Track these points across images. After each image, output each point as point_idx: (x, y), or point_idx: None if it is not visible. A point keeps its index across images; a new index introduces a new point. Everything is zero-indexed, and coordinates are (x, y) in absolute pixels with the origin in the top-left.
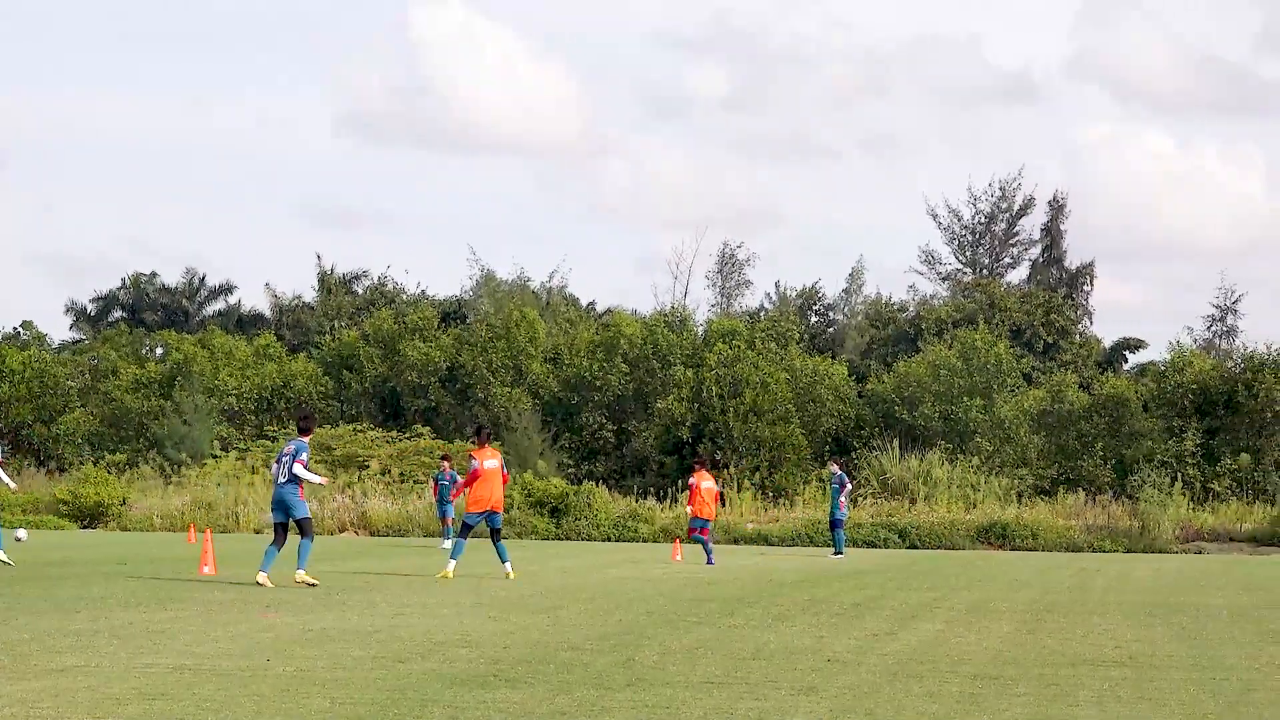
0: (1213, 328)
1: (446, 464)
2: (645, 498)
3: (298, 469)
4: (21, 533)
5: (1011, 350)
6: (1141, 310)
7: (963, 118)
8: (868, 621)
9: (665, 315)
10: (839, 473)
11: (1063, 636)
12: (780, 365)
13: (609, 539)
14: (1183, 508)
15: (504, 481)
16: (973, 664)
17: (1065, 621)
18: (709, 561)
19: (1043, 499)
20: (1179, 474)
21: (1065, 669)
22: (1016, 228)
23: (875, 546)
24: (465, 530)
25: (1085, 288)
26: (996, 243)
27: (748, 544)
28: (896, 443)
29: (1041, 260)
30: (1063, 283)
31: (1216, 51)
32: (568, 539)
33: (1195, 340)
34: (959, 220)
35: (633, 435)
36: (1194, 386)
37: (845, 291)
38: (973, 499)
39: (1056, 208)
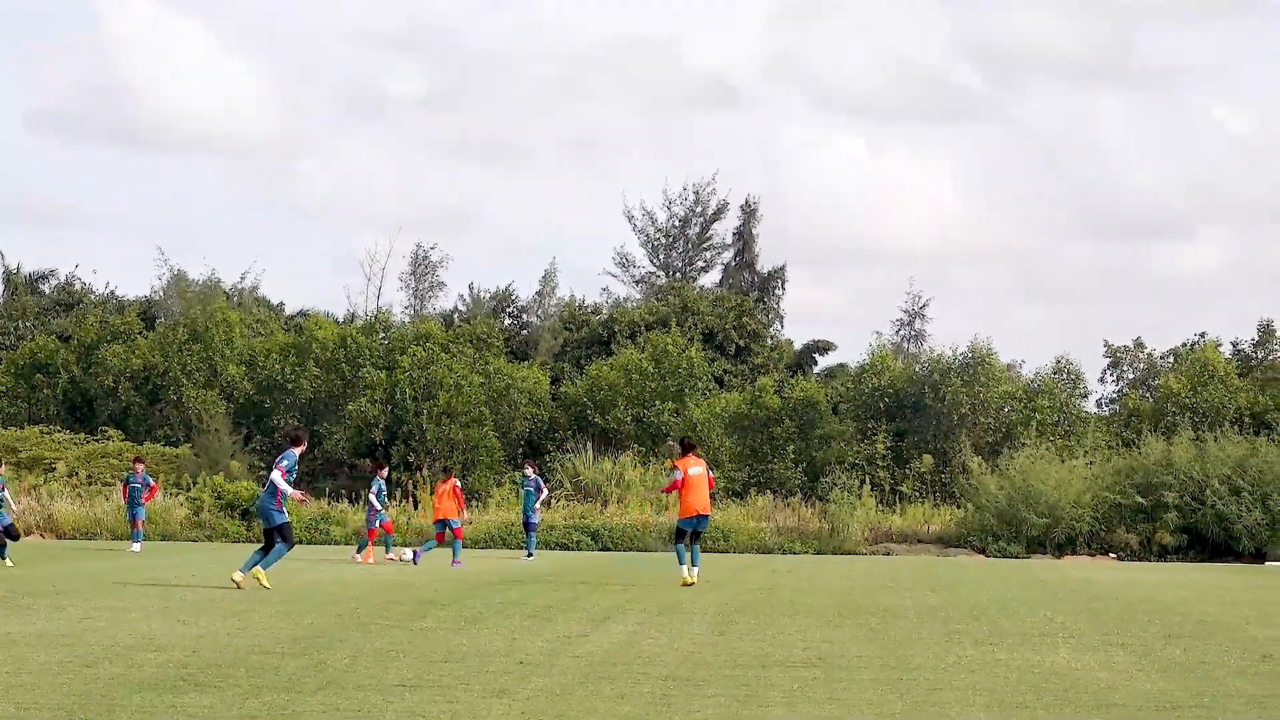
0: (901, 331)
1: (139, 466)
2: (338, 500)
3: (274, 476)
4: None
5: (703, 353)
6: (832, 314)
7: (663, 121)
8: (560, 624)
9: (359, 318)
10: (533, 475)
11: (753, 638)
12: (474, 368)
13: (300, 541)
14: (872, 510)
15: (710, 485)
16: (664, 665)
17: (756, 623)
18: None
19: (735, 501)
20: (869, 476)
21: (756, 670)
22: (710, 232)
23: (568, 549)
24: (679, 536)
25: (777, 291)
26: (690, 246)
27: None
28: (590, 445)
29: (734, 264)
30: (755, 286)
31: (910, 56)
32: (259, 542)
33: (884, 344)
34: (654, 223)
35: (325, 438)
36: (888, 390)
37: (539, 294)
38: (664, 501)
39: (749, 212)
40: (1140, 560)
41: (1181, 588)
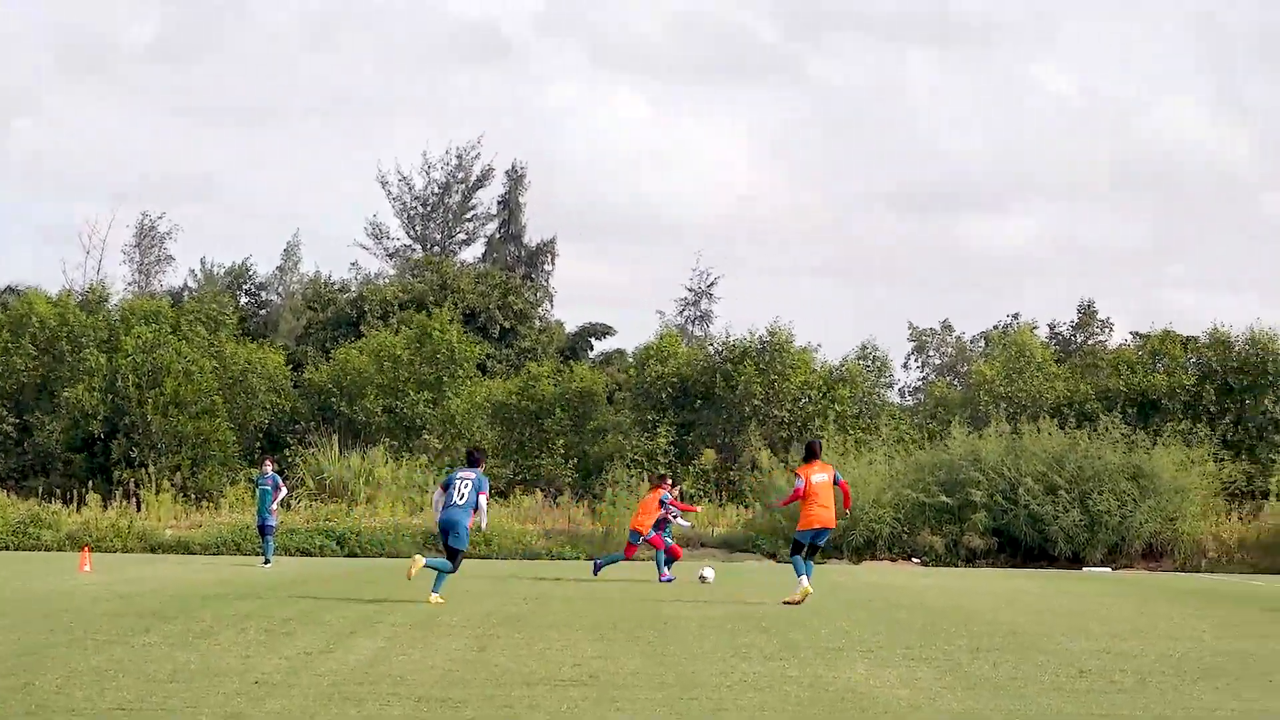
0: (686, 312)
1: None
2: (50, 500)
3: (482, 500)
4: None
5: (466, 336)
6: (609, 293)
7: (422, 77)
8: (300, 638)
9: (76, 294)
10: (271, 473)
11: (517, 653)
12: (207, 352)
13: (7, 547)
14: None
15: (845, 492)
16: (417, 685)
17: (521, 637)
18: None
19: (498, 501)
20: (649, 473)
21: (520, 689)
22: (473, 200)
23: (310, 555)
24: (797, 548)
25: (546, 267)
26: (451, 217)
27: (166, 552)
28: (336, 438)
29: (499, 236)
30: (522, 261)
31: (700, 6)
32: None
33: (668, 326)
34: (410, 191)
35: (36, 429)
36: (673, 378)
37: (280, 269)
38: (420, 502)
39: (516, 178)
40: (946, 565)
41: (991, 596)
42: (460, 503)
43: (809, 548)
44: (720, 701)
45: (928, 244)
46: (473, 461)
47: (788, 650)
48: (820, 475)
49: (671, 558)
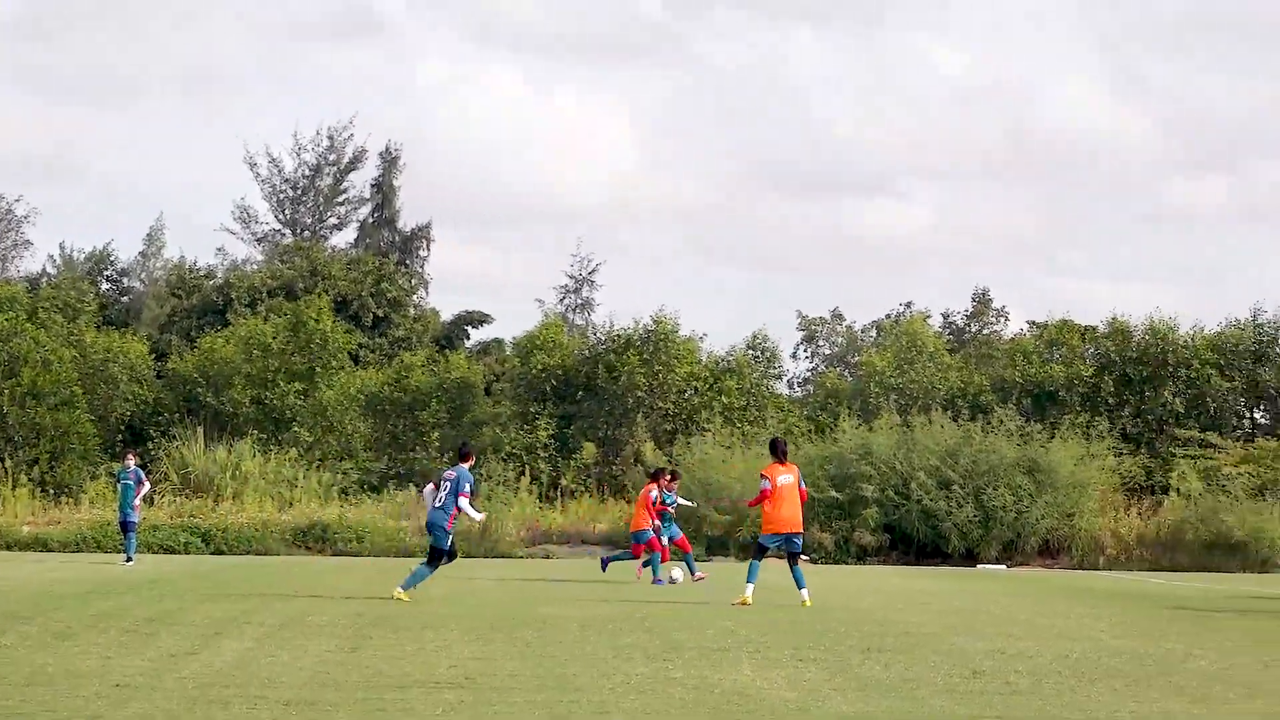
0: (566, 300)
1: None
2: None
3: (463, 503)
4: None
5: (338, 324)
6: (486, 280)
7: (292, 54)
8: (164, 639)
9: None
10: (134, 467)
11: (390, 655)
12: (66, 340)
13: None
14: (530, 506)
15: (803, 498)
16: (285, 688)
17: (394, 638)
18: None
19: (370, 496)
20: (528, 467)
21: (393, 692)
22: (345, 183)
23: (174, 552)
24: (759, 553)
25: (421, 253)
26: (322, 200)
27: (23, 549)
28: (201, 431)
29: (372, 221)
30: (395, 247)
31: None
32: None
33: (549, 314)
34: (280, 173)
35: None
36: (555, 369)
37: (142, 255)
38: (289, 497)
39: (389, 161)
40: (836, 563)
41: (882, 594)
42: (438, 505)
43: (790, 557)
44: (602, 704)
45: (818, 229)
46: (461, 456)
47: (672, 651)
48: (786, 477)
49: (645, 556)
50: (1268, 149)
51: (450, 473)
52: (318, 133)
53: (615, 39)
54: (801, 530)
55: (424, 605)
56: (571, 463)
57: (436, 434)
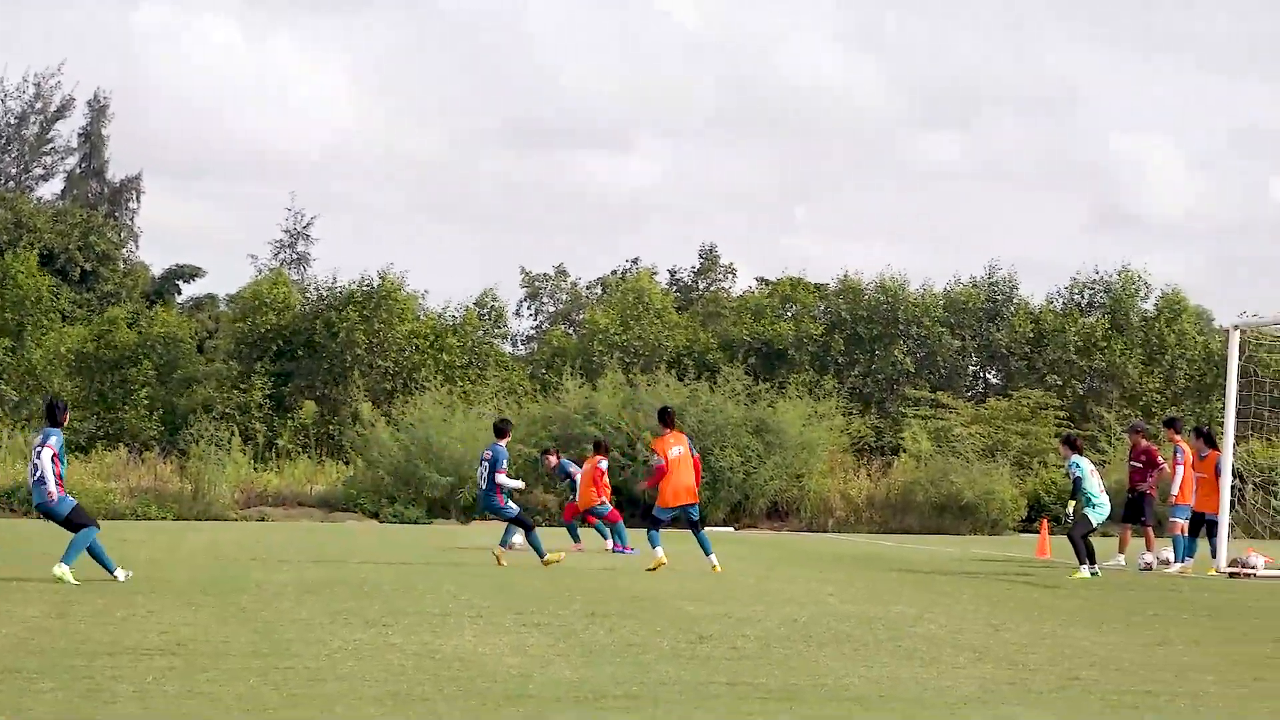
0: (281, 255)
1: None
2: None
3: (500, 479)
4: None
5: (44, 276)
6: (197, 233)
7: None
8: None
9: None
10: None
11: (99, 620)
12: None
13: None
14: (244, 467)
15: (696, 466)
16: None
17: (103, 603)
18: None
19: (79, 457)
20: (241, 427)
21: (102, 659)
22: (51, 132)
23: None
24: (655, 524)
25: (131, 205)
26: (27, 149)
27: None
28: None
29: (79, 171)
30: (104, 199)
31: None
32: None
33: (264, 270)
34: None
35: None
36: (271, 326)
37: None
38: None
39: (98, 109)
40: (561, 526)
41: (607, 557)
42: (484, 488)
43: (691, 525)
44: (318, 671)
45: (544, 183)
46: (498, 433)
47: (391, 616)
48: (677, 448)
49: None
50: (1003, 105)
51: (487, 452)
52: (24, 79)
53: None
54: (697, 499)
55: (133, 569)
56: (289, 422)
57: (145, 392)
